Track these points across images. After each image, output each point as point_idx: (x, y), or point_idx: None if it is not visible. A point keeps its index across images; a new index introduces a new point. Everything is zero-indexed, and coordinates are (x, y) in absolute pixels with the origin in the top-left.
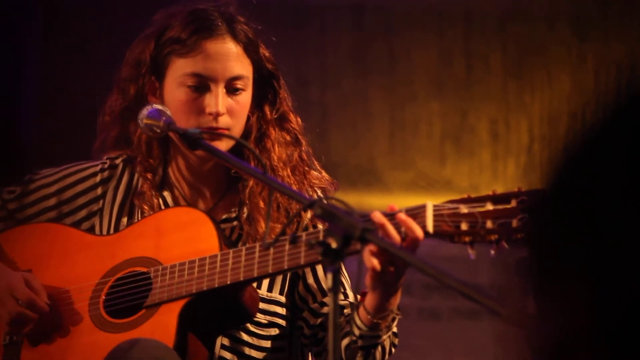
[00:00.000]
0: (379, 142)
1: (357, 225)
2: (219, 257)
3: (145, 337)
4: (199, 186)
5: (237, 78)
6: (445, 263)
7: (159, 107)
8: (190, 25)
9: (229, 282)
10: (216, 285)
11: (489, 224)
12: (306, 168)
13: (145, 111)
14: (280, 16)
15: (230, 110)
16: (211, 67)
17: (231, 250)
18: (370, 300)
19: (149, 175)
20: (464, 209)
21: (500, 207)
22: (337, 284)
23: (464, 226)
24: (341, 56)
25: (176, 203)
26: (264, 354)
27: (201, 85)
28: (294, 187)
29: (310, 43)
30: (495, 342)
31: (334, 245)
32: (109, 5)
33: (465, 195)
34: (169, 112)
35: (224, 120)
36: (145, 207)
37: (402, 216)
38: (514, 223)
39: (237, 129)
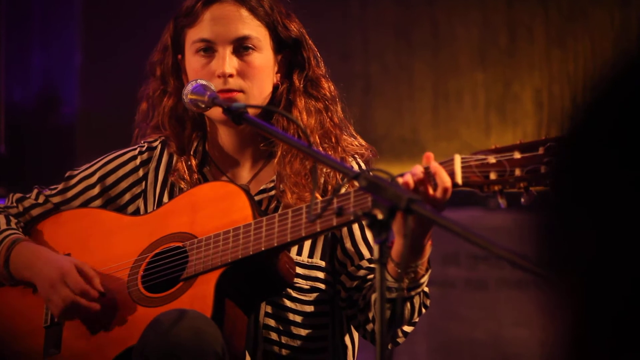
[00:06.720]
0: (423, 113)
1: (402, 196)
2: (252, 225)
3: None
4: (237, 160)
5: (244, 38)
6: (489, 233)
7: (204, 82)
8: None
9: (263, 249)
10: (251, 253)
11: (518, 172)
12: (338, 133)
13: (189, 87)
14: None
15: (241, 72)
16: (215, 30)
17: (264, 218)
18: (396, 249)
19: (183, 153)
20: (492, 159)
21: (527, 154)
22: (384, 255)
23: (492, 176)
24: (384, 29)
25: (216, 179)
26: (308, 318)
27: (209, 49)
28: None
29: (353, 17)
30: (543, 311)
31: (380, 216)
32: None
33: (492, 147)
34: (213, 87)
35: (234, 82)
36: (182, 184)
37: (434, 164)
38: (542, 169)
39: (255, 92)
